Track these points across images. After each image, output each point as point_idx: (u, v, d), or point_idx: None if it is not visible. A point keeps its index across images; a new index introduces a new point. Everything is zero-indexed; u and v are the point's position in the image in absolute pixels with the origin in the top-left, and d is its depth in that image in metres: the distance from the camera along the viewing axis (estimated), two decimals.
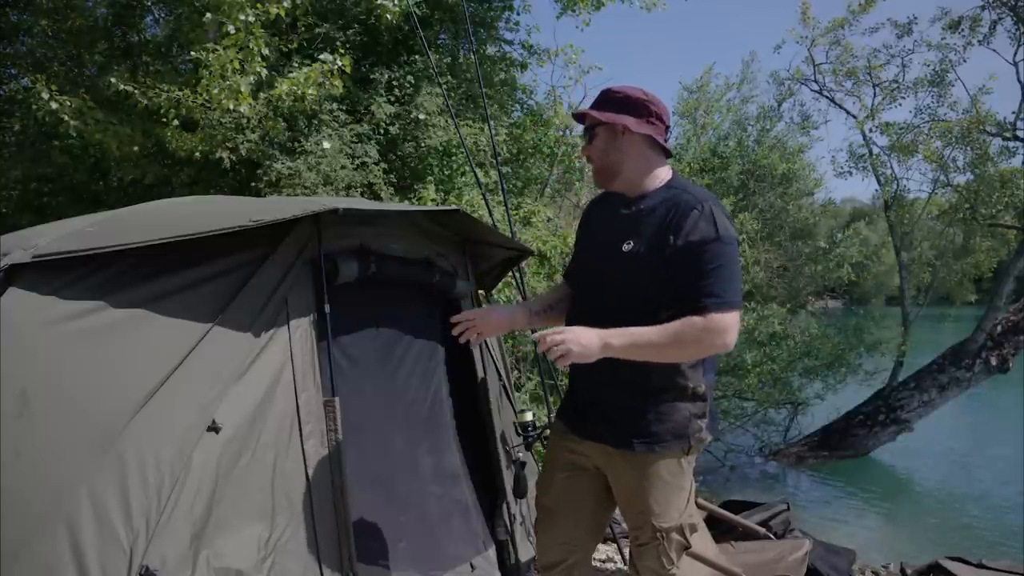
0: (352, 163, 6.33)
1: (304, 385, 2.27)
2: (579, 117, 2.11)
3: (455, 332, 2.08)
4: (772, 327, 9.59)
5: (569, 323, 2.09)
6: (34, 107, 5.49)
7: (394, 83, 7.02)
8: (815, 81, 12.16)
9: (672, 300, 1.82)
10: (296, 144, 6.23)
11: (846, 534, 6.54)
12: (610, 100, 2.02)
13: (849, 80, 11.78)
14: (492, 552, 2.99)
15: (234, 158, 5.82)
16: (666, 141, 2.04)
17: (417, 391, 2.93)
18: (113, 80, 5.62)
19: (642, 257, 1.89)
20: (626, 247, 1.93)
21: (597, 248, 2.06)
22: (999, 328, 9.63)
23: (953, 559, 4.43)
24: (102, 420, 1.93)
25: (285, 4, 5.50)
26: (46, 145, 7.05)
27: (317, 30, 6.96)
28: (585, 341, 1.77)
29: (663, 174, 2.01)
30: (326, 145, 6.05)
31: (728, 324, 1.79)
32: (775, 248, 11.29)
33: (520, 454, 3.06)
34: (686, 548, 2.04)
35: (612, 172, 2.03)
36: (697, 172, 11.31)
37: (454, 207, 2.81)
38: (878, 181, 11.81)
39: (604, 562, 3.92)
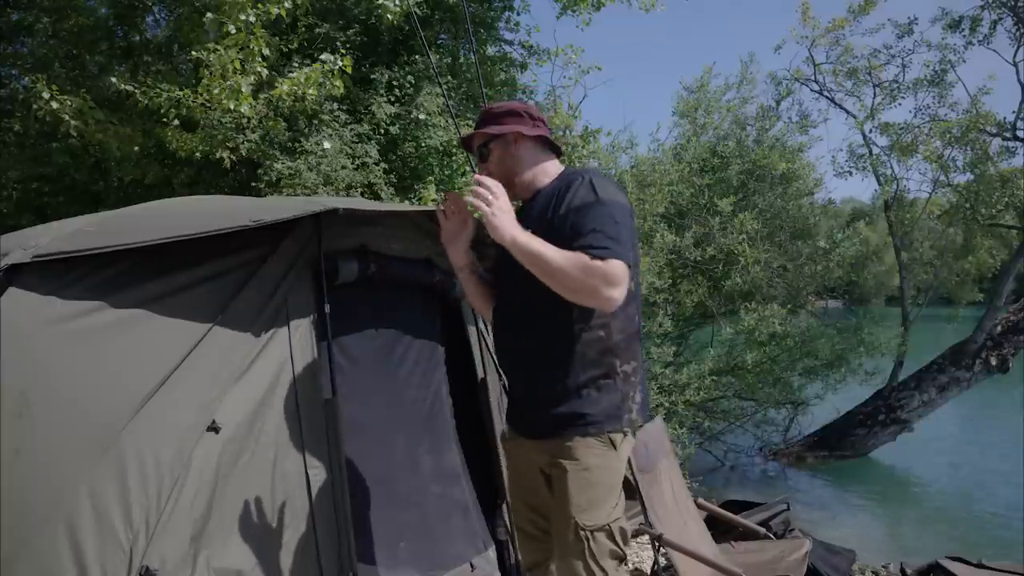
0: (352, 163, 6.33)
1: (304, 385, 2.27)
2: (467, 141, 2.18)
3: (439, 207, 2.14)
4: (772, 327, 9.57)
5: (494, 314, 2.16)
6: (35, 107, 5.49)
7: (394, 83, 7.02)
8: (815, 81, 12.17)
9: None
10: (296, 144, 6.23)
11: (846, 534, 6.54)
12: (494, 116, 2.11)
13: (849, 80, 11.79)
14: (492, 552, 3.00)
15: (234, 158, 5.82)
16: (553, 138, 2.12)
17: (417, 391, 2.93)
18: (114, 80, 5.62)
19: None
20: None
21: (508, 260, 1.97)
22: (999, 328, 9.63)
23: (953, 559, 4.44)
24: (102, 420, 1.93)
25: (286, 4, 5.50)
26: (46, 145, 7.06)
27: (317, 30, 6.96)
28: (504, 218, 1.82)
29: (554, 169, 2.09)
30: (326, 145, 6.05)
31: (613, 272, 1.76)
32: (775, 248, 11.26)
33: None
34: (621, 559, 1.91)
35: (511, 181, 2.06)
36: (697, 172, 11.29)
37: None
38: (878, 181, 11.82)
39: None
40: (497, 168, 2.08)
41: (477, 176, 1.89)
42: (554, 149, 2.13)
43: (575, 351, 1.90)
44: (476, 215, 1.99)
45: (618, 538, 1.91)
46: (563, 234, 1.84)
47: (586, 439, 1.90)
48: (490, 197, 1.83)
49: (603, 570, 1.87)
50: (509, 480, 2.24)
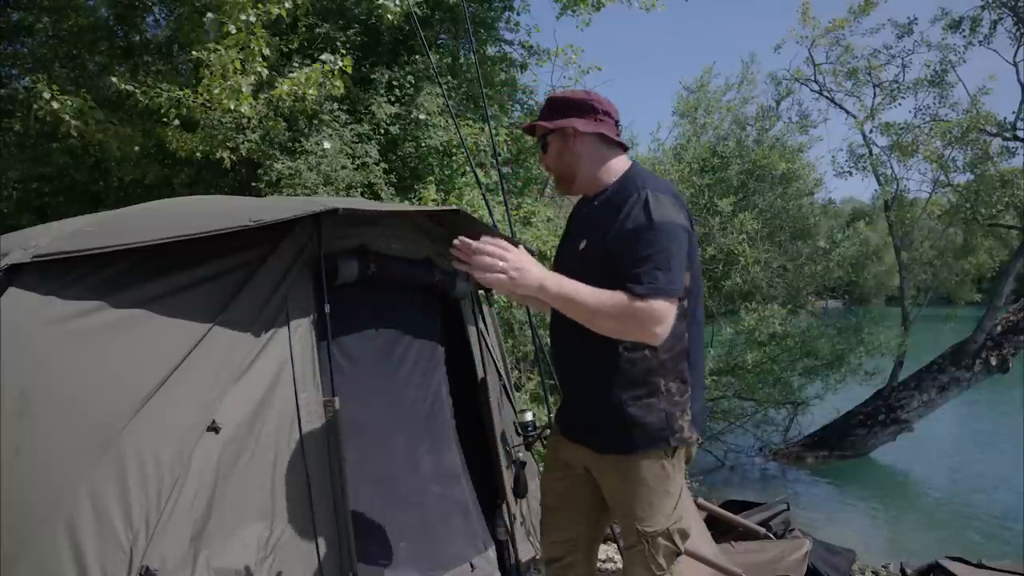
0: (353, 163, 6.33)
1: (304, 385, 2.27)
2: (529, 130, 2.12)
3: (454, 252, 1.86)
4: (772, 327, 9.58)
5: (551, 320, 2.11)
6: (35, 107, 5.49)
7: (394, 83, 7.02)
8: (815, 81, 12.16)
9: None
10: (296, 144, 6.23)
11: (846, 534, 6.53)
12: (554, 107, 2.05)
13: (849, 80, 11.79)
14: (492, 552, 3.00)
15: (234, 158, 5.82)
16: (618, 135, 2.05)
17: (417, 391, 2.93)
18: (115, 80, 5.62)
19: (591, 253, 1.89)
20: (581, 246, 1.95)
21: (564, 251, 2.08)
22: (999, 328, 9.63)
23: (953, 559, 4.44)
24: (102, 420, 1.93)
25: (286, 5, 5.50)
26: (46, 145, 7.06)
27: (317, 30, 6.96)
28: (524, 270, 1.71)
29: (618, 167, 2.01)
30: (327, 145, 6.05)
31: (656, 312, 1.72)
32: (775, 248, 11.27)
33: (520, 454, 3.07)
34: (677, 554, 1.98)
35: (569, 176, 2.04)
36: (697, 172, 11.30)
37: (454, 207, 2.82)
38: (878, 181, 11.81)
39: (604, 562, 3.92)
40: (555, 163, 2.05)
41: (476, 245, 1.72)
42: (618, 145, 2.04)
43: (619, 368, 1.89)
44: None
45: (676, 539, 1.97)
46: (614, 256, 1.80)
47: (633, 456, 1.91)
48: (500, 264, 1.70)
49: (661, 568, 1.95)
50: (548, 473, 2.21)
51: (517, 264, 1.71)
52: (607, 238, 1.85)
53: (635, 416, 1.89)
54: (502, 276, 1.70)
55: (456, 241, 1.81)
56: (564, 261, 2.04)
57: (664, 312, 1.73)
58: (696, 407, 1.97)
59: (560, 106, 2.03)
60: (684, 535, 1.99)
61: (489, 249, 1.72)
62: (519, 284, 1.71)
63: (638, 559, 1.96)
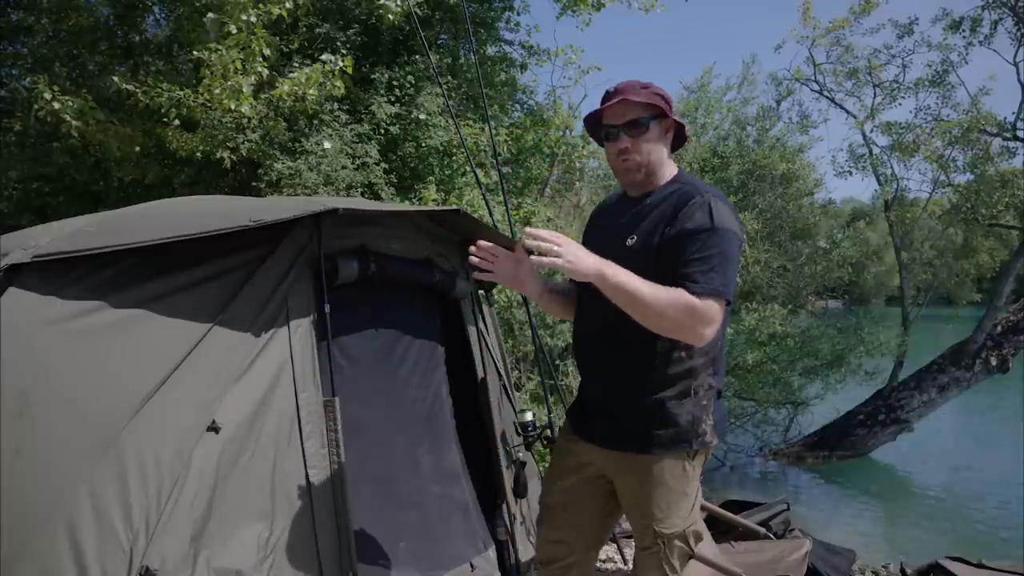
0: (353, 163, 6.33)
1: (304, 385, 2.27)
2: (611, 109, 1.90)
3: (474, 260, 1.89)
4: (772, 327, 9.57)
5: (576, 321, 2.09)
6: (36, 107, 5.49)
7: (395, 83, 7.02)
8: (815, 81, 12.16)
9: None
10: (297, 144, 6.23)
11: (846, 534, 6.53)
12: (653, 92, 1.91)
13: (850, 80, 11.78)
14: (492, 552, 3.00)
15: (234, 158, 5.82)
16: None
17: (417, 391, 2.93)
18: (115, 79, 5.61)
19: (641, 250, 1.86)
20: (629, 242, 1.91)
21: (602, 244, 1.94)
22: (999, 328, 9.62)
23: (953, 559, 4.43)
24: (102, 420, 1.93)
25: (287, 5, 5.50)
26: (46, 145, 7.06)
27: (318, 30, 6.97)
28: (580, 256, 1.68)
29: (671, 169, 1.99)
30: (327, 145, 6.05)
31: (714, 314, 1.72)
32: (775, 248, 11.28)
33: (520, 454, 3.07)
34: (690, 556, 1.99)
35: (653, 170, 1.95)
36: (697, 172, 11.30)
37: (454, 207, 2.82)
38: (878, 181, 11.81)
39: (604, 562, 3.92)
40: (649, 151, 1.91)
41: (528, 230, 1.69)
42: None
43: (655, 369, 1.88)
44: (542, 272, 1.87)
45: (691, 541, 1.97)
46: (670, 255, 1.78)
47: (657, 455, 1.91)
48: (555, 248, 1.66)
49: (675, 570, 1.96)
50: (555, 473, 2.20)
51: (574, 250, 1.69)
52: (664, 236, 1.82)
53: (666, 416, 1.89)
54: (559, 260, 1.66)
55: (474, 248, 1.79)
56: (606, 256, 1.95)
57: (716, 314, 1.73)
58: (718, 413, 1.98)
59: (656, 93, 1.92)
60: (699, 537, 2.00)
61: (542, 236, 1.68)
62: (574, 270, 1.67)
63: (653, 561, 1.96)
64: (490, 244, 1.92)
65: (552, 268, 1.72)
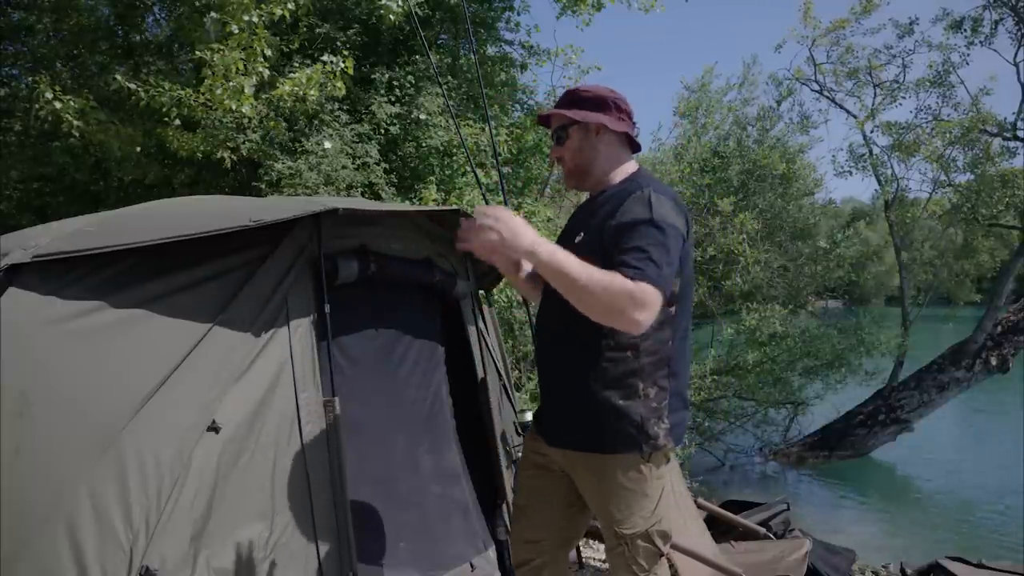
0: (353, 163, 6.34)
1: (304, 385, 2.27)
2: (544, 119, 2.09)
3: (460, 231, 1.86)
4: (772, 327, 9.58)
5: (536, 317, 2.12)
6: (37, 107, 5.49)
7: (395, 83, 7.03)
8: (816, 81, 12.17)
9: None
10: (297, 144, 6.23)
11: (846, 534, 6.53)
12: (580, 100, 2.01)
13: (850, 80, 11.79)
14: (492, 552, 3.00)
15: (235, 158, 5.82)
16: (636, 136, 2.06)
17: (417, 391, 2.93)
18: (118, 78, 5.60)
19: (587, 246, 1.86)
20: (577, 239, 1.93)
21: (561, 243, 1.98)
22: (999, 328, 9.63)
23: (953, 559, 4.44)
24: (102, 420, 1.93)
25: (289, 6, 5.50)
26: (46, 145, 7.06)
27: (318, 30, 6.97)
28: (516, 233, 1.68)
29: (628, 169, 2.01)
30: (327, 145, 6.05)
31: (648, 299, 1.68)
32: (775, 248, 11.30)
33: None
34: (659, 555, 1.96)
35: (585, 172, 2.02)
36: (697, 172, 11.31)
37: (455, 207, 2.82)
38: (878, 181, 11.82)
39: (605, 562, 3.92)
40: (572, 156, 2.02)
41: (477, 207, 1.75)
42: (633, 147, 2.06)
43: (598, 368, 1.87)
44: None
45: (657, 540, 1.95)
46: (610, 247, 1.78)
47: (607, 455, 1.89)
48: (499, 214, 1.70)
49: (644, 569, 1.94)
50: (523, 472, 2.20)
51: (510, 225, 1.69)
52: (604, 230, 1.84)
53: (612, 416, 1.87)
54: (493, 235, 1.68)
55: (463, 220, 1.81)
56: None
57: (651, 299, 1.68)
58: (675, 417, 1.94)
59: (585, 100, 2.00)
60: (665, 536, 1.96)
61: (483, 210, 1.72)
62: (509, 245, 1.68)
63: (619, 562, 1.96)
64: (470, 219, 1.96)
65: (488, 248, 1.73)
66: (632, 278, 1.68)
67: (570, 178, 2.08)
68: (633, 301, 1.67)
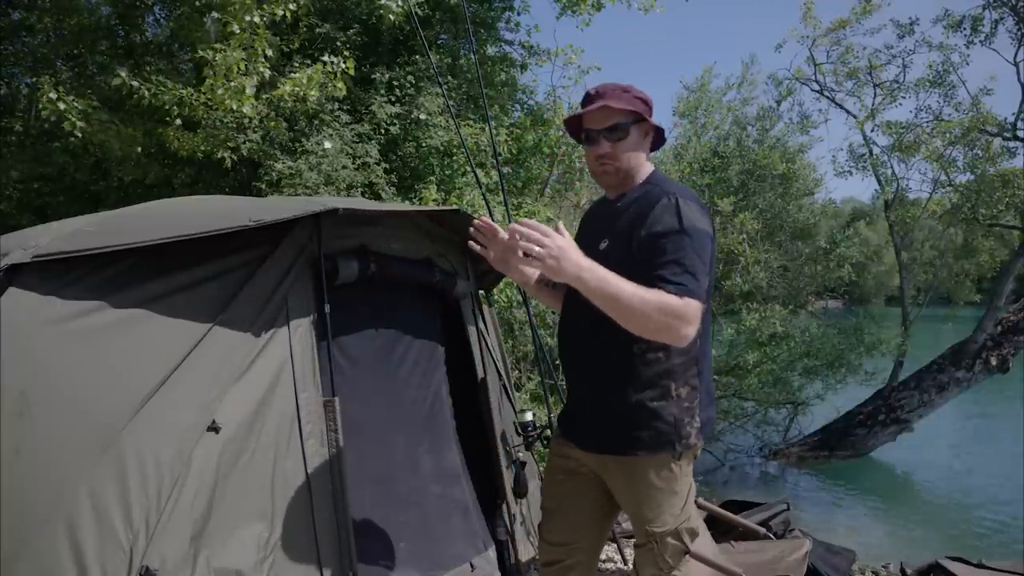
0: (353, 163, 6.34)
1: (304, 385, 2.27)
2: (589, 115, 1.92)
3: (472, 232, 1.88)
4: (772, 327, 9.57)
5: (560, 321, 2.11)
6: (39, 107, 5.48)
7: (395, 83, 7.03)
8: (816, 81, 12.16)
9: None
10: (297, 144, 6.24)
11: (846, 534, 6.54)
12: (635, 97, 1.92)
13: (850, 80, 11.78)
14: (492, 552, 3.00)
15: (235, 158, 5.82)
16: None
17: (417, 391, 2.93)
18: (122, 75, 5.59)
19: (613, 254, 1.86)
20: (602, 246, 1.92)
21: (580, 247, 1.94)
22: (999, 328, 9.62)
23: (953, 559, 4.43)
24: (102, 420, 1.93)
25: (290, 6, 5.50)
26: (47, 145, 7.06)
27: (318, 30, 6.97)
28: (564, 256, 1.64)
29: (646, 170, 1.99)
30: (327, 145, 6.06)
31: (694, 313, 1.71)
32: (775, 248, 11.29)
33: (520, 454, 3.07)
34: (686, 552, 2.01)
35: (630, 175, 1.96)
36: (697, 172, 11.30)
37: (454, 207, 2.82)
38: (878, 181, 11.80)
39: (604, 562, 3.92)
40: (620, 155, 1.92)
41: (513, 226, 1.67)
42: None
43: (633, 371, 1.88)
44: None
45: (685, 538, 2.00)
46: (642, 260, 1.77)
47: (641, 457, 1.91)
48: (543, 239, 1.63)
49: (670, 566, 1.99)
50: (550, 476, 2.20)
51: (559, 244, 1.64)
52: (633, 240, 1.83)
53: (646, 418, 1.89)
54: (542, 252, 1.63)
55: (477, 222, 1.79)
56: None
57: (695, 312, 1.71)
58: (704, 415, 1.96)
59: (638, 97, 1.92)
60: (693, 534, 2.01)
61: (527, 232, 1.64)
62: (554, 272, 1.64)
63: (648, 558, 1.99)
64: (492, 224, 1.94)
65: (533, 267, 1.73)
66: (677, 295, 1.69)
67: (612, 177, 1.96)
68: (682, 318, 1.69)
